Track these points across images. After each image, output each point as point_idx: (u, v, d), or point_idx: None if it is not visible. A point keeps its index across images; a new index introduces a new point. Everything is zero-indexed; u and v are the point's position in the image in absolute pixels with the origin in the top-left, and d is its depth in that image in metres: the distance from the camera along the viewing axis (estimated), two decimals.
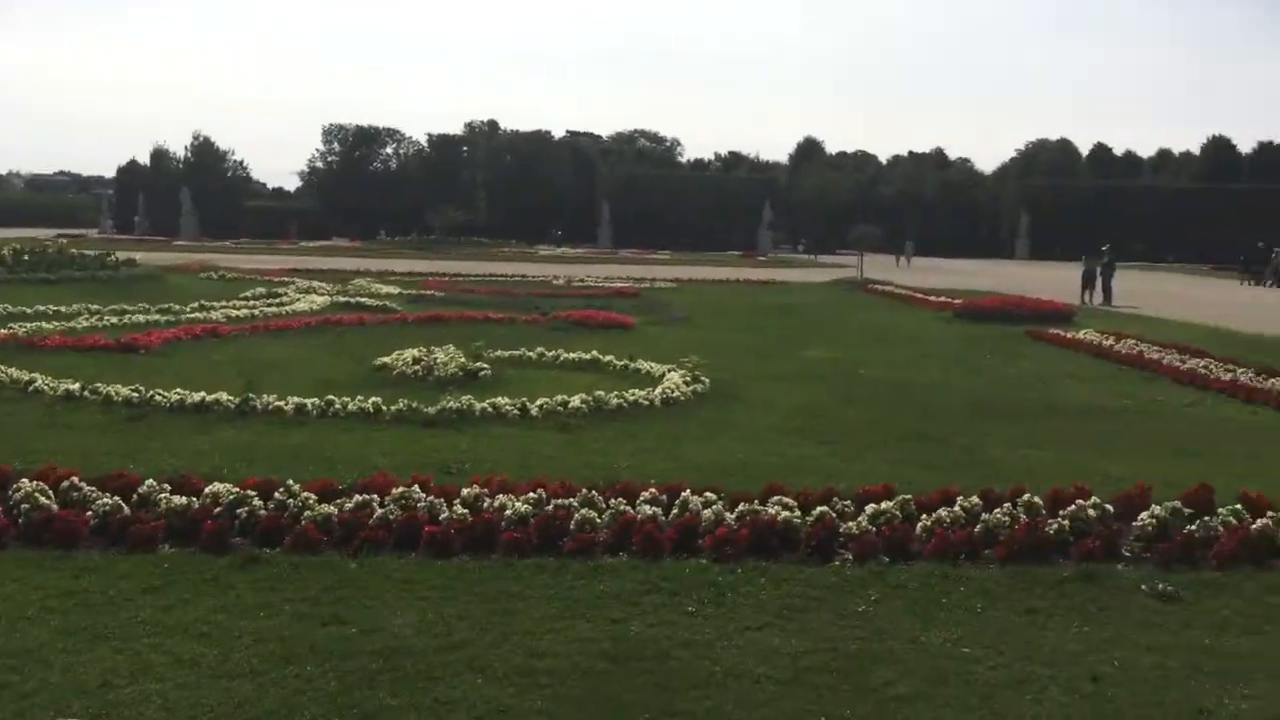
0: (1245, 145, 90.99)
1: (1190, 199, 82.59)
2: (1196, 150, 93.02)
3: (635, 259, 59.45)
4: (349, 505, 6.83)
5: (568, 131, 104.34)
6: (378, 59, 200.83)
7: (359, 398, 10.66)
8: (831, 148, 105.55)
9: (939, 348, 18.78)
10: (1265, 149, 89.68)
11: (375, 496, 6.94)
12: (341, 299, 23.44)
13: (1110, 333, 19.37)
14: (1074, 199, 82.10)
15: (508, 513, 6.80)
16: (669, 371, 13.02)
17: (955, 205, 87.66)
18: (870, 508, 7.07)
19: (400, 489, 7.04)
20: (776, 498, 7.16)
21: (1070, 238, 63.35)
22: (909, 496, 7.23)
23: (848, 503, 7.20)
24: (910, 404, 12.55)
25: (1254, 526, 6.77)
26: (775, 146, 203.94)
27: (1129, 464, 9.11)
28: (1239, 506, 7.09)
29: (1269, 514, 6.94)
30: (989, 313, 24.25)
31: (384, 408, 10.43)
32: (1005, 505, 7.09)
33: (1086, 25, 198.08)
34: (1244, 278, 49.70)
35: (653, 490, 7.28)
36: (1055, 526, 6.80)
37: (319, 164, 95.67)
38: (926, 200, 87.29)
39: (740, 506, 6.98)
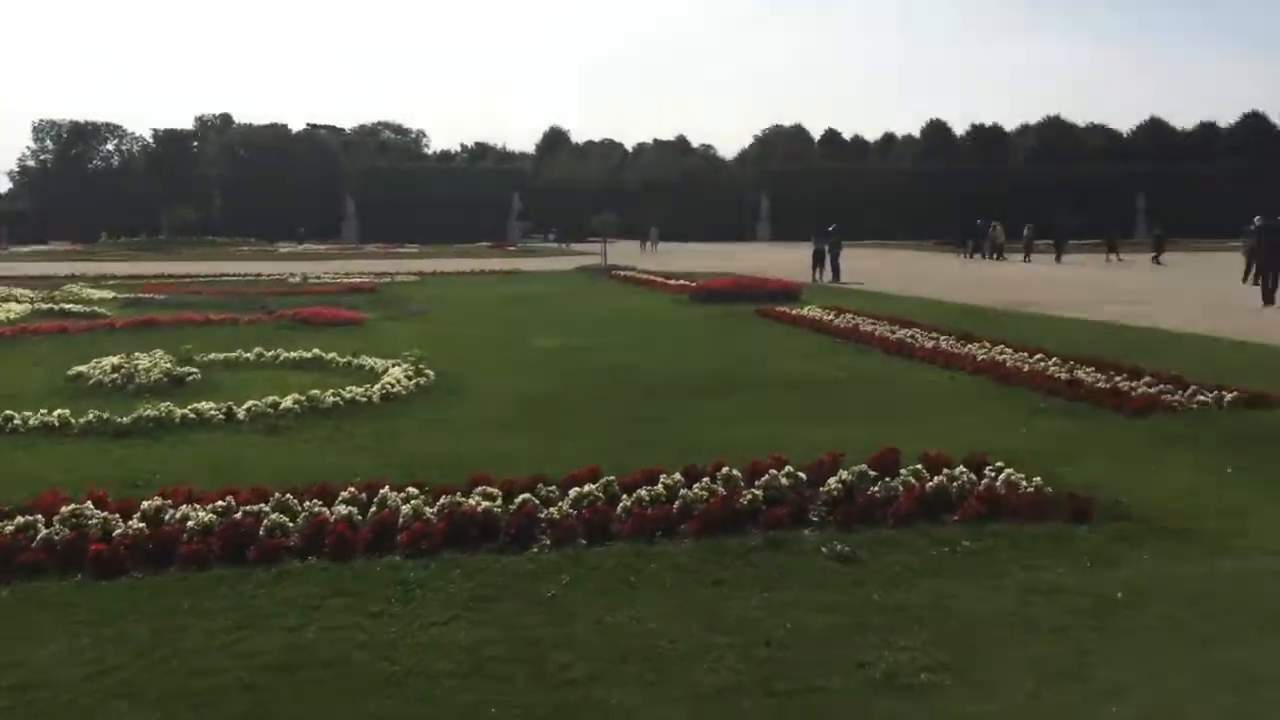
0: (960, 128, 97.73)
1: (913, 179, 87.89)
2: (917, 133, 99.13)
3: (381, 253, 58.19)
4: (9, 529, 6.27)
5: (308, 124, 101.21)
6: (92, 50, 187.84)
7: (43, 411, 9.86)
8: (578, 137, 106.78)
9: (672, 330, 19.19)
10: (978, 130, 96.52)
11: (41, 517, 6.40)
12: (45, 306, 21.77)
13: (832, 308, 20.28)
14: (809, 182, 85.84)
15: (190, 524, 6.41)
16: (393, 366, 12.70)
17: (699, 190, 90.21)
18: (574, 491, 7.07)
19: (71, 507, 6.52)
20: (480, 488, 7.06)
21: (807, 219, 66.13)
22: (613, 478, 7.27)
23: (553, 488, 7.18)
24: (635, 386, 12.71)
25: (930, 484, 7.16)
26: (522, 137, 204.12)
27: (834, 432, 9.45)
28: (919, 466, 7.49)
29: (945, 471, 7.36)
30: (723, 294, 25.00)
31: (72, 420, 9.69)
32: (705, 480, 7.23)
33: (810, 13, 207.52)
34: (962, 251, 53.23)
35: (352, 489, 7.04)
36: (749, 497, 6.98)
37: (31, 163, 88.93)
38: (671, 186, 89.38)
39: (442, 499, 6.84)
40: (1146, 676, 4.58)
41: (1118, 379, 11.49)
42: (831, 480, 7.26)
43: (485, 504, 6.77)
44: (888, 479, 7.25)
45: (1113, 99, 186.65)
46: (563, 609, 5.39)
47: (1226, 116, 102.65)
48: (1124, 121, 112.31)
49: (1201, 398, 10.51)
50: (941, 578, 5.82)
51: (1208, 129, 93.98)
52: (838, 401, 11.66)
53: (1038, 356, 13.19)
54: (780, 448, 8.16)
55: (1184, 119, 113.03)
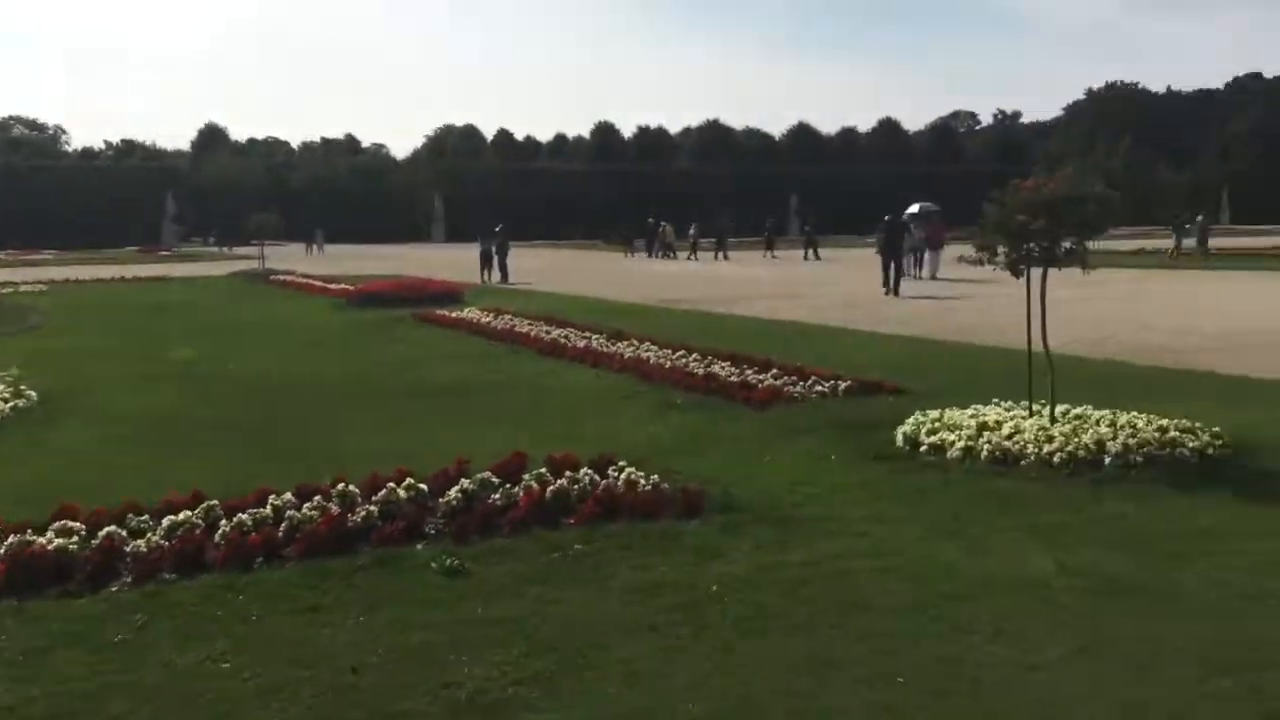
0: (627, 130, 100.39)
1: (583, 179, 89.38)
2: (587, 135, 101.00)
3: (11, 260, 52.85)
4: None
5: None
6: None
7: None
8: (239, 134, 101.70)
9: (324, 336, 18.50)
10: (644, 132, 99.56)
11: None
12: None
13: (491, 310, 20.17)
14: (482, 182, 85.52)
15: None
16: None
17: (370, 191, 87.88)
18: (168, 520, 6.50)
19: None
20: (61, 523, 6.36)
21: (482, 220, 65.77)
22: (215, 502, 6.75)
23: (145, 517, 6.58)
24: (273, 398, 12.09)
25: (551, 488, 7.08)
26: (175, 134, 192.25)
27: (476, 437, 9.25)
28: (543, 470, 7.41)
29: (568, 473, 7.31)
30: (383, 298, 24.39)
31: None
32: (318, 499, 6.83)
33: (485, 13, 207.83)
34: (629, 250, 54.71)
35: None
36: (363, 514, 6.65)
37: None
38: (340, 187, 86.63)
39: (10, 539, 6.09)
40: (728, 671, 4.63)
41: (749, 372, 11.97)
42: (452, 490, 7.05)
43: (60, 541, 6.10)
44: (509, 485, 7.13)
45: (766, 104, 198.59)
46: (130, 654, 4.87)
47: (864, 122, 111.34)
48: (776, 126, 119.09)
49: (820, 388, 11.10)
50: (550, 584, 5.73)
51: (849, 133, 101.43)
52: (485, 405, 11.52)
53: (680, 353, 13.56)
54: (420, 456, 7.91)
55: (828, 125, 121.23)
